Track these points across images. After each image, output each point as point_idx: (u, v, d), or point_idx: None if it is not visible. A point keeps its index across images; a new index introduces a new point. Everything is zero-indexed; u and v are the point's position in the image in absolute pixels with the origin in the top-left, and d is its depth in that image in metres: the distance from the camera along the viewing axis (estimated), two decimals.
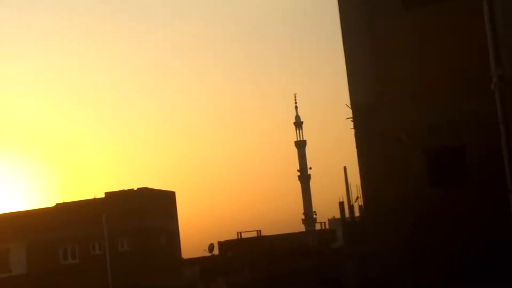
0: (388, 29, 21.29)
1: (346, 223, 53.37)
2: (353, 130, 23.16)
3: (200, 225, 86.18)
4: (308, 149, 78.70)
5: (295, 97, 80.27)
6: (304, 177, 77.11)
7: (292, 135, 79.71)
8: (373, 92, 21.42)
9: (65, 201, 47.88)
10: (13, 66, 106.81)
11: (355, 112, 22.18)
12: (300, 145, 78.25)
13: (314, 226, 75.26)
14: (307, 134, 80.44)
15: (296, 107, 79.81)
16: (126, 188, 47.15)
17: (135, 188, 47.08)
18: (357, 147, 23.17)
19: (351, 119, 23.02)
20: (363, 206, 38.24)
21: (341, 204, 55.59)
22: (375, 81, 21.24)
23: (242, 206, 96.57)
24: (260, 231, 65.64)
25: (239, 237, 64.80)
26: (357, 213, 56.43)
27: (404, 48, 21.31)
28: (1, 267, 46.65)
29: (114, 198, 46.27)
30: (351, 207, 56.82)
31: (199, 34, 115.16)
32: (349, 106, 22.58)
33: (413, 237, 20.32)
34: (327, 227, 72.34)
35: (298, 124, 79.18)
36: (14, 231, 46.39)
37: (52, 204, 47.75)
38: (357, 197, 57.16)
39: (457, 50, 20.65)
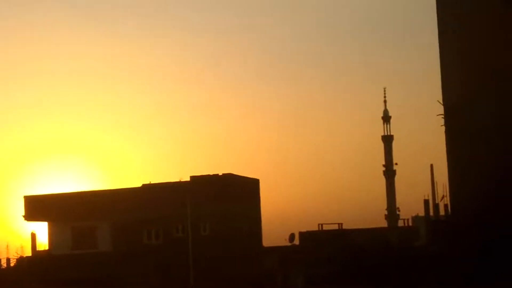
0: (485, 27, 20.83)
1: (430, 221, 52.66)
2: (443, 127, 22.78)
3: (281, 214, 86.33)
4: (395, 144, 77.83)
5: (384, 91, 79.56)
6: (389, 172, 76.27)
7: (379, 129, 78.91)
8: (467, 90, 21.02)
9: (151, 182, 48.58)
10: None
11: (447, 109, 21.82)
12: (387, 140, 77.40)
13: (397, 223, 74.37)
14: (395, 129, 79.48)
15: (385, 101, 79.07)
16: (211, 173, 47.54)
17: (220, 174, 47.41)
18: (446, 144, 22.77)
19: (442, 116, 22.64)
20: (449, 205, 37.59)
21: (426, 202, 54.89)
22: (470, 79, 20.84)
23: (325, 197, 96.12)
24: (341, 224, 65.31)
25: (320, 228, 64.62)
26: (442, 212, 55.63)
27: (500, 47, 20.82)
28: (88, 243, 47.85)
29: (199, 182, 46.72)
30: (436, 206, 56.06)
31: (290, 31, 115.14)
32: (441, 102, 22.21)
33: (503, 240, 19.93)
34: (410, 224, 71.42)
35: (386, 118, 78.34)
36: (101, 209, 47.45)
37: (139, 185, 48.56)
38: (443, 196, 56.38)
39: None
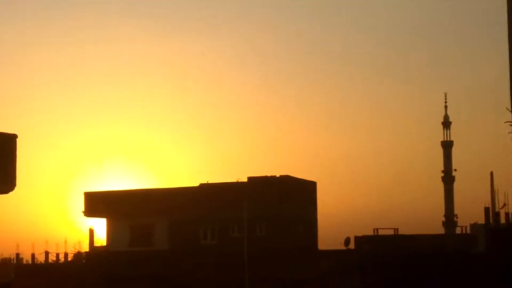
0: None
1: (490, 230, 51.77)
2: (510, 135, 22.31)
3: (337, 218, 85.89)
4: (454, 150, 76.78)
5: (445, 96, 78.60)
6: (448, 178, 75.26)
7: (439, 135, 77.95)
8: None
9: (208, 182, 48.76)
10: None
11: None
12: (447, 146, 76.41)
13: (455, 230, 73.32)
14: (455, 135, 78.40)
15: (445, 107, 78.09)
16: (269, 174, 47.50)
17: (278, 175, 47.35)
18: None
19: (511, 123, 22.17)
20: (511, 214, 36.91)
21: (486, 209, 53.99)
22: None
23: (381, 202, 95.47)
24: (397, 229, 64.64)
25: (376, 233, 64.08)
26: (502, 220, 54.66)
27: None
28: (145, 241, 48.27)
29: (257, 183, 46.72)
30: (496, 214, 55.09)
31: (351, 34, 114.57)
32: (510, 109, 21.76)
33: None
34: (468, 231, 70.32)
35: (447, 124, 77.39)
36: (159, 208, 47.79)
37: (196, 184, 48.80)
38: (504, 204, 55.49)
39: None
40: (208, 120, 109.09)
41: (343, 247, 54.03)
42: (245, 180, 47.45)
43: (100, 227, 52.08)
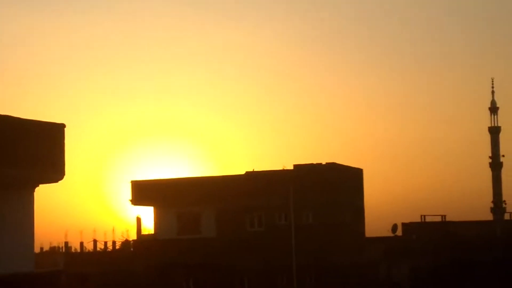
0: None
1: None
2: None
3: (384, 205, 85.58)
4: (502, 136, 75.76)
5: (492, 81, 77.54)
6: (496, 164, 74.33)
7: (486, 120, 76.98)
8: None
9: (254, 170, 48.80)
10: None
11: None
12: (494, 131, 75.45)
13: (503, 216, 72.48)
14: (502, 120, 77.34)
15: (492, 92, 77.07)
16: (315, 162, 47.36)
17: (324, 163, 47.19)
18: None
19: None
20: None
21: None
22: None
23: (428, 188, 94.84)
24: (444, 216, 64.17)
25: (423, 220, 63.65)
26: None
27: None
28: (193, 229, 48.51)
29: (303, 171, 46.63)
30: None
31: (396, 23, 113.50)
32: None
33: None
34: None
35: (494, 109, 76.41)
36: (206, 196, 47.94)
37: (242, 172, 48.86)
38: None
39: None
40: (254, 107, 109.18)
41: (390, 234, 53.82)
42: (291, 167, 47.38)
43: (147, 216, 52.50)
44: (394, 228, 54.08)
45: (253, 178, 47.64)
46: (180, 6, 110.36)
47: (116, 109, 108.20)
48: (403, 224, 60.11)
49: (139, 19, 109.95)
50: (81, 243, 60.87)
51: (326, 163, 47.15)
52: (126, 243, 58.36)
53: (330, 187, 46.37)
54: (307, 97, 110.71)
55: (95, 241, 59.59)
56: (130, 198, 50.54)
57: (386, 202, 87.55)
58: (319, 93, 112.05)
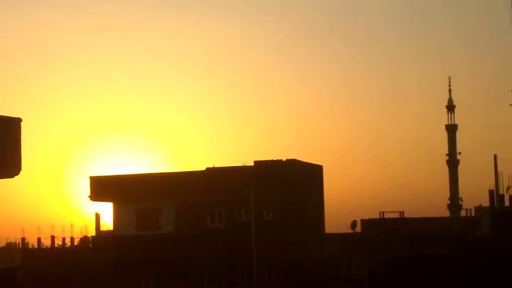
0: None
1: (494, 212, 51.89)
2: None
3: (344, 201, 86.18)
4: (459, 134, 76.79)
5: (449, 80, 78.52)
6: (453, 162, 75.26)
7: (443, 119, 77.94)
8: None
9: (215, 166, 48.80)
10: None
11: None
12: (451, 129, 76.40)
13: (459, 213, 73.48)
14: (459, 118, 78.38)
15: (450, 90, 78.06)
16: (275, 158, 47.54)
17: (284, 159, 47.37)
18: None
19: None
20: None
21: (491, 192, 54.07)
22: None
23: (387, 185, 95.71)
24: (403, 212, 64.94)
25: (382, 216, 64.35)
26: (507, 203, 54.75)
27: None
28: (152, 225, 48.36)
29: (263, 167, 46.78)
30: (500, 196, 55.17)
31: (350, 17, 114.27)
32: None
33: None
34: (472, 214, 70.45)
35: (451, 107, 77.37)
36: (166, 192, 47.84)
37: (203, 168, 48.82)
38: (509, 187, 55.53)
39: None
40: (215, 104, 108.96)
41: (350, 230, 54.23)
42: (252, 164, 47.48)
43: (106, 212, 52.19)
44: (354, 224, 54.53)
45: (214, 174, 47.67)
46: (137, 1, 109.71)
47: (75, 104, 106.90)
48: (362, 221, 60.67)
49: (94, 14, 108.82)
50: (39, 239, 60.36)
51: (287, 159, 47.35)
52: (84, 239, 57.96)
53: (290, 184, 46.56)
54: (268, 93, 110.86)
55: (53, 237, 59.10)
56: (89, 194, 50.21)
57: (346, 198, 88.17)
58: (280, 90, 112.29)
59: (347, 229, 54.14)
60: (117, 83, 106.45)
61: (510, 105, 22.08)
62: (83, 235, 58.43)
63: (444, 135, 77.21)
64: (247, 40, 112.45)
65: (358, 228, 56.71)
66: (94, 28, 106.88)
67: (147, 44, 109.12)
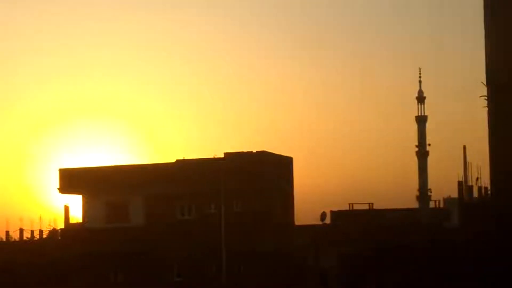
0: None
1: (463, 203, 52.36)
2: (486, 109, 22.47)
3: (313, 193, 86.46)
4: (428, 125, 77.34)
5: (419, 71, 78.98)
6: (422, 153, 75.82)
7: (413, 110, 78.44)
8: None
9: (184, 158, 48.69)
10: None
11: (492, 91, 21.50)
12: (421, 120, 76.93)
13: (428, 204, 74.05)
14: (429, 109, 78.91)
15: (420, 82, 78.52)
16: (245, 150, 47.53)
17: (254, 151, 47.39)
18: (489, 126, 22.44)
19: (485, 97, 22.29)
20: (489, 188, 37.27)
21: (460, 183, 54.53)
22: None
23: (356, 177, 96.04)
24: (372, 204, 65.27)
25: (351, 208, 64.64)
26: (475, 194, 55.26)
27: None
28: (121, 217, 48.16)
29: (233, 159, 46.74)
30: (469, 188, 55.67)
31: (323, 9, 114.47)
32: (485, 84, 21.86)
33: None
34: (441, 205, 71.04)
35: (421, 99, 77.86)
36: (135, 184, 47.63)
37: (172, 160, 48.69)
38: (477, 178, 56.07)
39: None
40: (185, 95, 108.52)
41: (319, 222, 54.41)
42: (222, 156, 47.43)
43: (75, 204, 51.83)
44: (323, 216, 54.69)
45: (183, 166, 47.56)
46: None
47: (42, 89, 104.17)
48: (332, 212, 60.93)
49: None
50: (7, 232, 59.87)
51: (256, 151, 47.36)
52: (53, 232, 57.61)
53: (260, 175, 46.58)
54: (238, 85, 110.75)
55: (21, 230, 58.65)
56: (58, 186, 49.89)
57: (315, 190, 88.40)
58: (250, 81, 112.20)
59: (316, 221, 54.33)
60: (86, 67, 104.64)
61: (480, 96, 22.20)
62: (52, 228, 58.10)
63: (414, 126, 77.79)
64: (218, 31, 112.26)
65: (328, 220, 56.93)
66: (59, 8, 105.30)
67: (118, 27, 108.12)
